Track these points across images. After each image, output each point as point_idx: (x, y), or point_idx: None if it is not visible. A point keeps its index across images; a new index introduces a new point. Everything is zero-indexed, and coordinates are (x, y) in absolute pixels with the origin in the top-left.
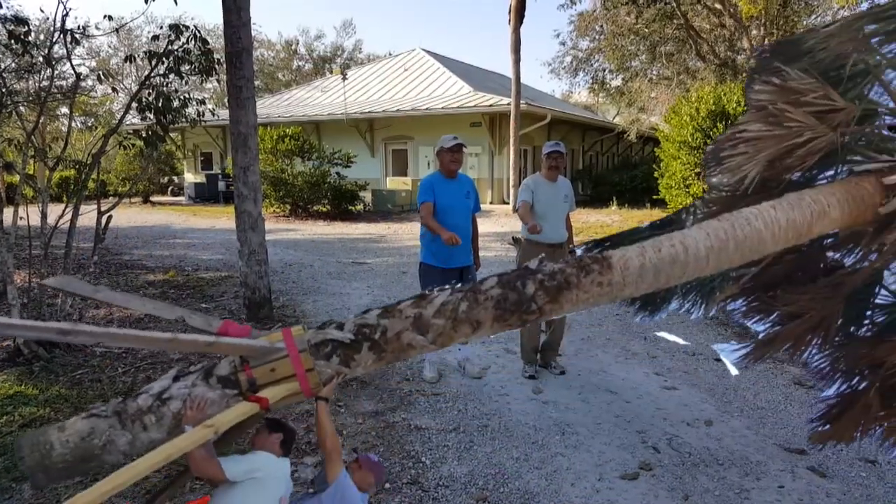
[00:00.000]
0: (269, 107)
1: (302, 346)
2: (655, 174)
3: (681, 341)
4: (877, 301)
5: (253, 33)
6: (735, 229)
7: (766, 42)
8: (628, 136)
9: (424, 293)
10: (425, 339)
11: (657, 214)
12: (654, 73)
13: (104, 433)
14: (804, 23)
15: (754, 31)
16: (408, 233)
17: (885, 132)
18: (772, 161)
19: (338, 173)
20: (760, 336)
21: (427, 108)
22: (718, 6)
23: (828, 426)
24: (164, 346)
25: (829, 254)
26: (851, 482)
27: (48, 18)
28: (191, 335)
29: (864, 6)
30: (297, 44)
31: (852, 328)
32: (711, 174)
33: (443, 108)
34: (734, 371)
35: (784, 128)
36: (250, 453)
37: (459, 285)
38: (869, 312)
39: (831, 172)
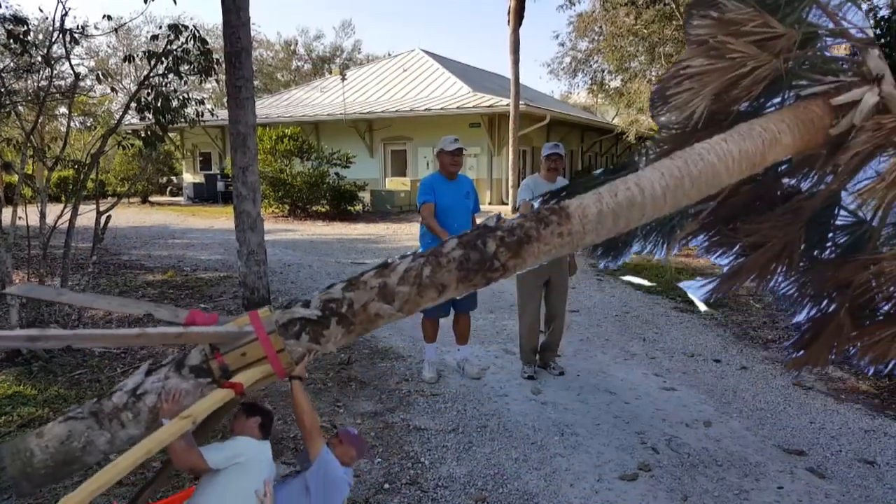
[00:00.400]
0: (268, 107)
1: (270, 328)
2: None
3: (703, 307)
4: (837, 222)
5: (252, 33)
6: (689, 166)
7: None
8: (627, 136)
9: (387, 262)
10: (392, 308)
11: None
12: (654, 73)
13: (83, 435)
14: None
15: None
16: (407, 233)
17: (827, 54)
18: (718, 94)
19: (337, 174)
20: (725, 269)
21: (426, 109)
22: None
23: (802, 352)
24: (133, 341)
25: (785, 180)
26: (850, 483)
27: (47, 18)
28: (159, 328)
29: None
30: (296, 44)
31: (816, 252)
32: (659, 114)
33: (442, 108)
34: (703, 308)
35: (727, 60)
36: (230, 440)
37: (420, 251)
38: (831, 234)
39: (778, 99)
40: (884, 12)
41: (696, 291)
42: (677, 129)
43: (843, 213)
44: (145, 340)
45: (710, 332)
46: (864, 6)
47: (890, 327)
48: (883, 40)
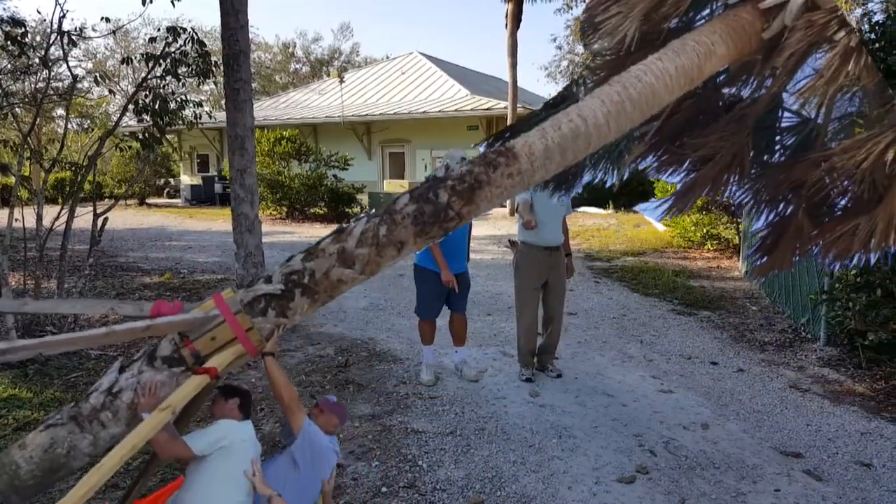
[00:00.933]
0: (266, 109)
1: (236, 308)
2: (651, 178)
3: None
4: (783, 125)
5: (250, 36)
6: (628, 89)
7: None
8: None
9: (342, 226)
10: (354, 272)
11: None
12: None
13: (65, 440)
14: None
15: None
16: None
17: None
18: (647, 14)
19: (335, 176)
20: (679, 186)
21: (424, 112)
22: None
23: (766, 258)
24: (102, 340)
25: (726, 91)
26: (847, 485)
27: (45, 20)
28: (126, 324)
29: (858, 11)
30: (295, 46)
31: (766, 157)
32: (591, 42)
33: (440, 111)
34: (660, 227)
35: None
36: (212, 425)
37: (374, 211)
38: (778, 138)
39: (707, 11)
40: (878, 17)
41: (652, 213)
42: (611, 55)
43: (787, 114)
44: (113, 338)
45: (707, 334)
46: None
47: (849, 221)
48: (878, 44)
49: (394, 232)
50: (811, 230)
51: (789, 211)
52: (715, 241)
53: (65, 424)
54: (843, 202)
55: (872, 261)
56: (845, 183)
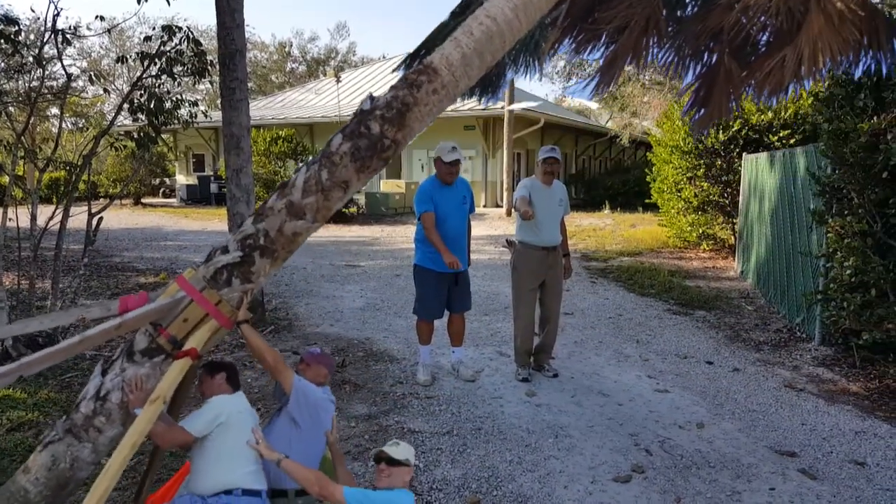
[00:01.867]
0: (262, 109)
1: (201, 285)
2: (647, 178)
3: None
4: None
5: (246, 35)
6: None
7: None
8: (621, 140)
9: (284, 182)
10: (306, 222)
11: (649, 218)
12: (647, 78)
13: (66, 454)
14: None
15: None
16: (401, 236)
17: None
18: None
19: None
20: (601, 61)
21: None
22: None
23: (702, 110)
24: (77, 349)
25: None
26: (841, 484)
27: (39, 18)
28: (98, 328)
29: None
30: (291, 46)
31: (679, 13)
32: None
33: None
34: (594, 106)
35: None
36: (205, 404)
37: (310, 159)
38: None
39: None
40: None
41: (581, 93)
42: None
43: None
44: (89, 343)
45: (702, 334)
46: None
47: (775, 55)
48: None
49: (335, 174)
50: (740, 72)
51: (714, 59)
52: (711, 242)
53: (62, 439)
54: (764, 38)
55: (859, 73)
56: (762, 19)
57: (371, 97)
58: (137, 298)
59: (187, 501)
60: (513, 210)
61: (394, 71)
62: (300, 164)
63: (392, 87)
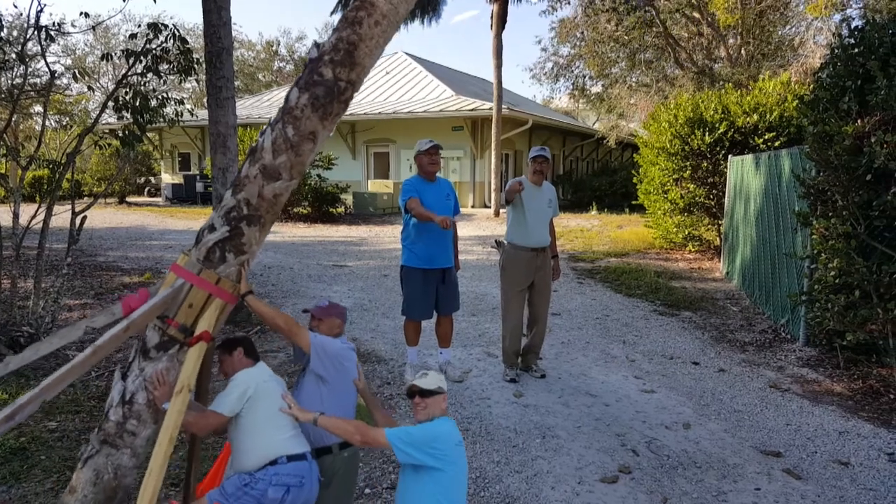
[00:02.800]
0: (249, 108)
1: (197, 268)
2: (634, 180)
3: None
4: None
5: (233, 33)
6: None
7: (743, 51)
8: (608, 141)
9: (252, 147)
10: (284, 181)
11: (636, 219)
12: (634, 80)
13: (107, 465)
14: (780, 33)
15: (731, 40)
16: (389, 236)
17: None
18: None
19: (319, 175)
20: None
21: (409, 112)
22: (696, 15)
23: None
24: (91, 361)
25: None
26: (826, 484)
27: (22, 14)
28: (107, 335)
29: (837, 17)
30: (278, 45)
31: None
32: None
33: (425, 111)
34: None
35: None
36: (230, 382)
37: (270, 119)
38: None
39: None
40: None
41: None
42: None
43: None
44: (102, 352)
45: (688, 334)
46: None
47: None
48: (856, 49)
49: (300, 127)
50: None
51: None
52: (696, 243)
53: (99, 451)
54: None
55: None
56: None
57: (316, 44)
58: (139, 296)
59: (236, 481)
60: (500, 210)
61: (332, 14)
62: (264, 128)
63: (334, 30)
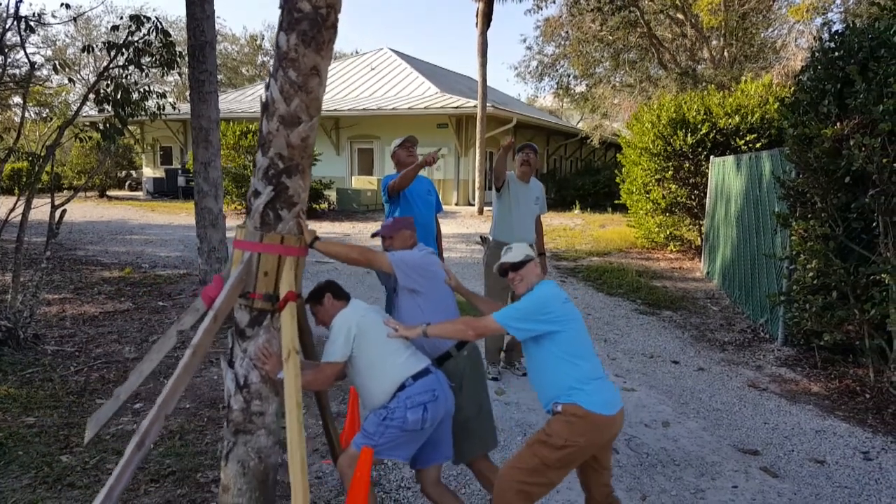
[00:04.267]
0: (232, 102)
1: (257, 236)
2: (617, 179)
3: None
4: None
5: (217, 27)
6: None
7: (726, 52)
8: (591, 141)
9: (264, 103)
10: (306, 122)
11: (618, 218)
12: (618, 80)
13: (249, 451)
14: (762, 35)
15: (714, 42)
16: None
17: None
18: None
19: None
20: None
21: (393, 108)
22: (680, 16)
23: None
24: (195, 362)
25: None
26: (802, 482)
27: (1, 4)
28: (198, 333)
29: (818, 21)
30: (262, 39)
31: None
32: None
33: (409, 108)
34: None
35: None
36: (331, 329)
37: (277, 66)
38: None
39: None
40: (838, 26)
41: None
42: None
43: None
44: (201, 351)
45: (669, 333)
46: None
47: None
48: (837, 53)
49: (300, 66)
50: None
51: None
52: (678, 243)
53: (236, 442)
54: None
55: None
56: None
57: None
58: (214, 285)
59: (374, 419)
60: (485, 208)
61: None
62: (267, 80)
63: None
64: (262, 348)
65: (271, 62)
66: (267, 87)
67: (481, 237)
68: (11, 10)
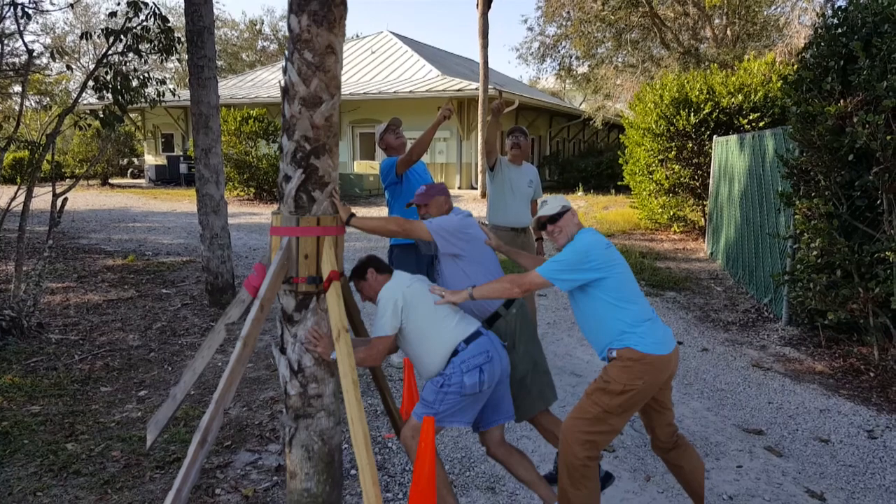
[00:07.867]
0: (232, 88)
1: (293, 221)
2: (620, 161)
3: None
4: None
5: (216, 12)
6: None
7: (728, 31)
8: (594, 122)
9: (283, 87)
10: (329, 101)
11: (622, 200)
12: (620, 60)
13: (312, 434)
14: (765, 13)
15: (717, 21)
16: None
17: None
18: None
19: None
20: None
21: (395, 92)
22: None
23: None
24: (246, 354)
25: None
26: (806, 461)
27: None
28: (248, 324)
29: None
30: (262, 24)
31: None
32: None
33: (411, 91)
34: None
35: None
36: (378, 304)
37: (292, 49)
38: None
39: None
40: (841, 2)
41: None
42: None
43: None
44: (251, 341)
45: (672, 314)
46: None
47: None
48: (840, 30)
49: (315, 46)
50: None
51: None
52: (681, 224)
53: (297, 427)
54: None
55: None
56: None
57: None
58: (257, 273)
59: (431, 388)
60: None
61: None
62: (284, 64)
63: None
64: (311, 331)
65: (271, 47)
66: (284, 72)
67: (479, 223)
68: None
